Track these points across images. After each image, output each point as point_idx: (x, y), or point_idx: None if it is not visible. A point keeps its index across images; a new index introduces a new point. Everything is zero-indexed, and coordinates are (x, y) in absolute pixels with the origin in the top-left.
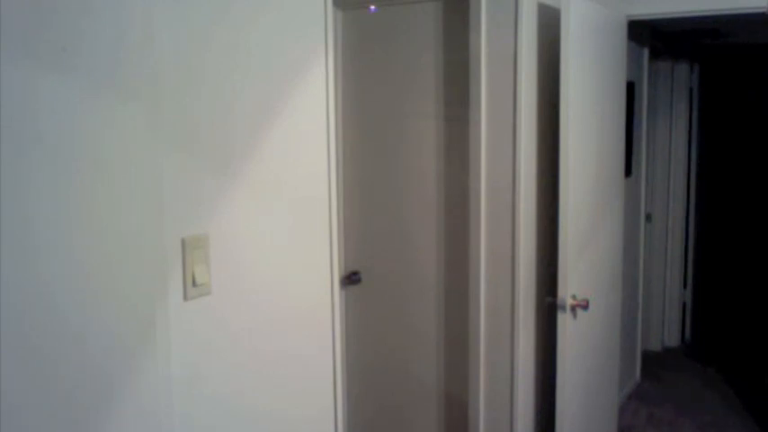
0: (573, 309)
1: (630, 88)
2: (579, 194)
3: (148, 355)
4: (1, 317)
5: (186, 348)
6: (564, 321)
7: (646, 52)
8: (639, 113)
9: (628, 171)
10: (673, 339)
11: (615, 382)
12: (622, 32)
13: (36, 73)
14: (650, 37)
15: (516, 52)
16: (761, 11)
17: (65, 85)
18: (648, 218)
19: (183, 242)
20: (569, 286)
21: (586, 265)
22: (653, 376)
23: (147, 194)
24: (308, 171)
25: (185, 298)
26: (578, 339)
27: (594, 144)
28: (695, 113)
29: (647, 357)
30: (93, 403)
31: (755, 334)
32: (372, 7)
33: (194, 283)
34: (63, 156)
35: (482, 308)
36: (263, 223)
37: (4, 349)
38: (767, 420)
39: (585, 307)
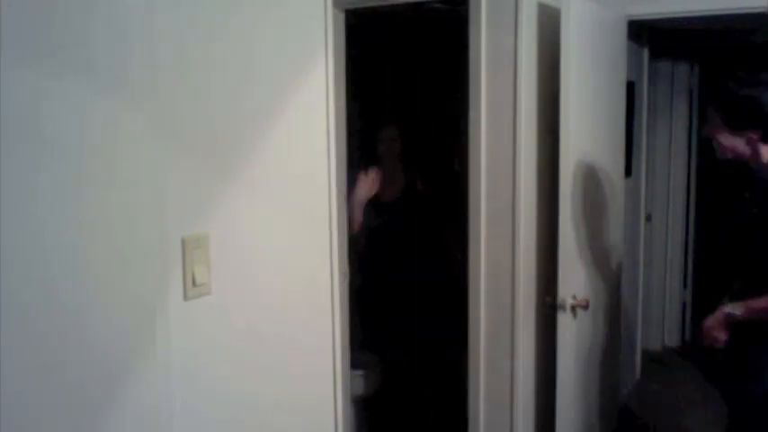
0: (573, 309)
1: (630, 88)
2: (579, 194)
3: (149, 355)
4: (13, 316)
5: (186, 349)
6: (564, 321)
7: (646, 52)
8: (639, 113)
9: (628, 171)
10: (673, 339)
11: (615, 382)
12: (622, 32)
13: (41, 76)
14: (650, 37)
15: (516, 52)
16: (761, 11)
17: (67, 87)
18: (648, 218)
19: (184, 242)
20: (569, 286)
21: (586, 265)
22: (653, 376)
23: (147, 194)
24: (308, 170)
25: (185, 298)
26: (578, 339)
27: (594, 144)
28: (695, 113)
29: (647, 357)
30: (94, 402)
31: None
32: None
33: (194, 283)
34: (67, 157)
35: (482, 308)
36: (263, 223)
37: (16, 345)
38: None
39: (585, 307)
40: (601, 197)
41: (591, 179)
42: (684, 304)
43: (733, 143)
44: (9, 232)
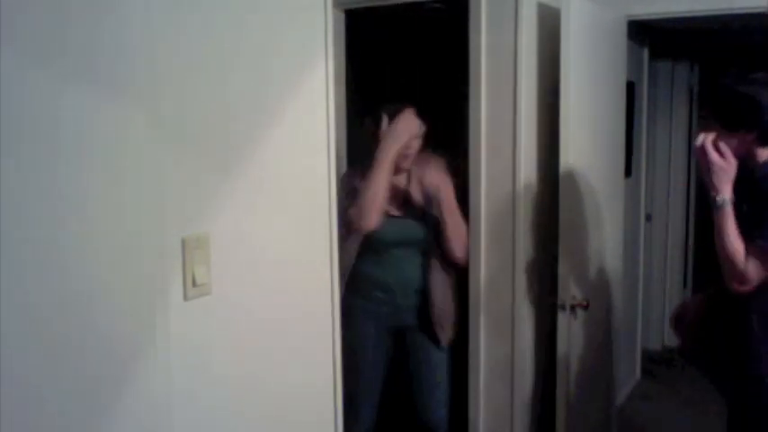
0: (573, 309)
1: (630, 88)
2: (579, 194)
3: (149, 356)
4: (14, 317)
5: (186, 349)
6: (564, 321)
7: (646, 52)
8: (639, 113)
9: (628, 171)
10: (673, 339)
11: (615, 382)
12: (622, 32)
13: (46, 78)
14: (650, 37)
15: (516, 52)
16: (761, 11)
17: (70, 88)
18: (648, 218)
19: (184, 242)
20: (569, 286)
21: (586, 265)
22: (653, 375)
23: (147, 194)
24: (308, 170)
25: (185, 298)
26: (578, 339)
27: (594, 144)
28: (695, 113)
29: (647, 357)
30: (95, 404)
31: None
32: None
33: (194, 284)
34: (68, 158)
35: (482, 307)
36: (263, 222)
37: (17, 346)
38: None
39: (586, 307)
40: (601, 197)
41: (591, 179)
42: None
43: (727, 143)
44: (10, 232)
